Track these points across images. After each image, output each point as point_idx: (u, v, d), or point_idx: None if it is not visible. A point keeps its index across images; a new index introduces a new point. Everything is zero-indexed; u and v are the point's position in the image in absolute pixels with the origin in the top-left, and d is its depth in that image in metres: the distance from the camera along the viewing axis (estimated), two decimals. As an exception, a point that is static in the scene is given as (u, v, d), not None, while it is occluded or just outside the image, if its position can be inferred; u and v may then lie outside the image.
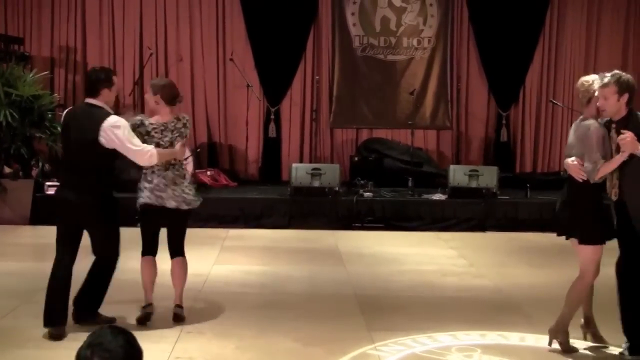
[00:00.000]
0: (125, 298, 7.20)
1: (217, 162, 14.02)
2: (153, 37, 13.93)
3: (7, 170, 11.68)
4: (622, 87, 5.81)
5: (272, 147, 14.10)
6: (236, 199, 12.08)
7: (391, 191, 12.44)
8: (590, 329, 6.23)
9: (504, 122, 14.19)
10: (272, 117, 14.01)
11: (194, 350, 5.95)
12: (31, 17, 13.85)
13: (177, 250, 6.75)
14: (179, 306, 6.72)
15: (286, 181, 12.72)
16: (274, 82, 14.05)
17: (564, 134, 14.27)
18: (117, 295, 7.20)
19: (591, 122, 5.90)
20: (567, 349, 6.06)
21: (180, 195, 6.64)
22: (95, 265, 6.48)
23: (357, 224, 11.59)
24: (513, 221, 11.79)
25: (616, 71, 5.90)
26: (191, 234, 10.84)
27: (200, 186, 12.46)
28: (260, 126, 14.14)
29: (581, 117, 6.08)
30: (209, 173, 13.16)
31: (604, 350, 6.17)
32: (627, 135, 5.69)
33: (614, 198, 5.91)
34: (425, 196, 12.16)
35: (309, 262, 9.30)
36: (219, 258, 9.43)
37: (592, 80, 5.98)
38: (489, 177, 12.05)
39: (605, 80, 5.84)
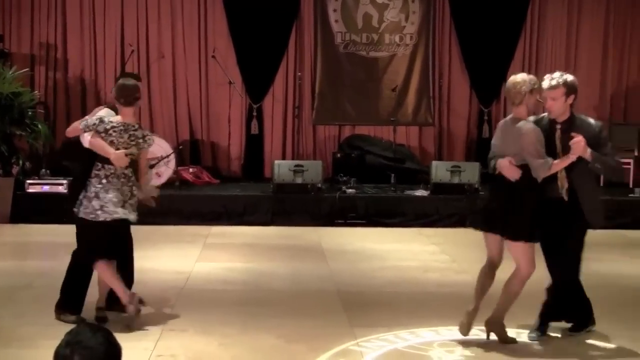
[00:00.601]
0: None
1: (200, 160, 13.99)
2: (134, 34, 13.88)
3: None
4: (569, 88, 6.03)
5: (254, 144, 14.08)
6: (219, 196, 12.06)
7: (374, 187, 12.45)
8: (469, 318, 6.19)
9: (485, 118, 14.23)
10: (255, 114, 13.99)
11: (177, 348, 5.93)
12: (11, 14, 13.75)
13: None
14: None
15: (269, 178, 12.71)
16: (256, 79, 14.03)
17: (546, 129, 14.33)
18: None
19: (526, 123, 5.97)
20: (505, 340, 6.14)
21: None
22: None
23: (339, 221, 11.59)
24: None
25: (560, 72, 6.12)
26: (173, 231, 10.92)
27: (182, 183, 12.49)
28: (243, 123, 14.11)
29: (511, 116, 6.14)
30: (191, 170, 13.14)
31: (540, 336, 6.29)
32: (581, 140, 5.85)
33: (566, 198, 5.97)
34: (408, 192, 12.18)
35: (292, 259, 9.31)
36: (202, 255, 9.41)
37: (523, 80, 6.02)
38: (471, 173, 12.08)
39: (554, 82, 6.04)
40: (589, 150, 5.90)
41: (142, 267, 7.17)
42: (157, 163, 12.13)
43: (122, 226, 6.48)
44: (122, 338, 2.75)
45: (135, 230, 6.86)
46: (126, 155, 6.31)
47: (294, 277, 8.43)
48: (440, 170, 12.08)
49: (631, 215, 11.91)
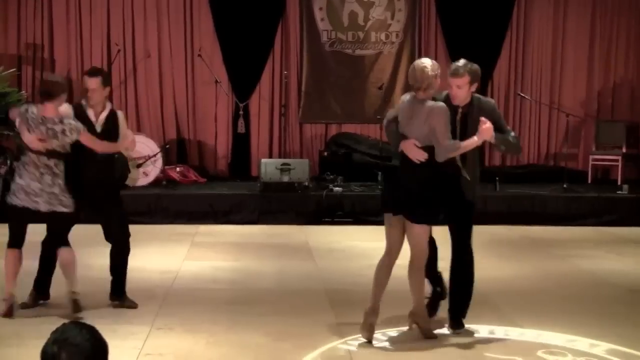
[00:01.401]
0: (94, 294, 7.20)
1: (187, 159, 13.98)
2: (120, 34, 13.86)
3: (-26, 168, 11.60)
4: (473, 76, 6.16)
5: (241, 143, 14.07)
6: (205, 194, 12.06)
7: (360, 185, 12.48)
8: (370, 320, 6.18)
9: (472, 115, 14.24)
10: (241, 112, 13.97)
11: (165, 347, 5.95)
12: (-4, 14, 13.74)
13: None
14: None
15: (255, 177, 12.72)
16: (243, 78, 14.02)
17: (532, 127, 14.40)
18: (86, 291, 7.21)
19: (437, 103, 6.01)
20: (428, 334, 6.20)
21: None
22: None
23: (326, 219, 11.61)
24: (482, 214, 11.75)
25: (464, 60, 6.23)
26: (160, 230, 10.92)
27: (169, 182, 12.49)
28: (229, 122, 14.11)
29: (413, 96, 6.14)
30: (178, 169, 13.14)
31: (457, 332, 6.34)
32: (490, 127, 6.04)
33: (468, 177, 6.18)
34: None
35: (279, 258, 9.32)
36: (189, 254, 9.42)
37: (430, 65, 6.05)
38: (457, 170, 12.09)
39: (460, 70, 6.13)
40: (493, 134, 6.11)
41: (130, 266, 7.16)
42: (144, 162, 12.13)
43: (27, 215, 6.67)
44: (110, 337, 2.76)
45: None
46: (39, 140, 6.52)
47: (281, 275, 8.44)
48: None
49: (618, 213, 11.97)
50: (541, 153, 14.45)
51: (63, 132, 6.56)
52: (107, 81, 6.96)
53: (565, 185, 12.45)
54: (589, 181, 13.55)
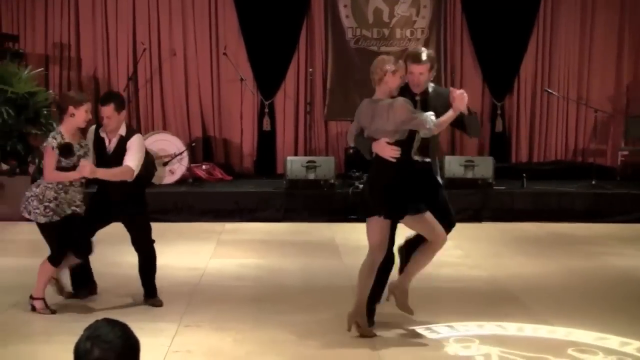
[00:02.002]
0: (123, 291, 7.24)
1: (212, 156, 14.00)
2: (146, 33, 13.90)
3: (3, 167, 11.68)
4: (433, 63, 6.21)
5: (266, 141, 14.08)
6: (231, 192, 12.07)
7: (386, 183, 12.42)
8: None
9: (498, 112, 14.16)
10: (266, 110, 13.98)
11: (192, 344, 5.96)
12: (25, 14, 13.81)
13: None
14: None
15: (281, 174, 12.71)
16: (268, 76, 14.03)
17: (560, 123, 14.28)
18: (115, 289, 7.26)
19: (395, 99, 6.01)
20: (366, 334, 6.15)
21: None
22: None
23: (352, 216, 11.57)
24: (509, 211, 11.79)
25: (423, 47, 6.62)
26: (187, 228, 10.95)
27: (195, 180, 12.52)
28: (255, 120, 14.12)
29: (369, 99, 6.19)
30: (204, 167, 13.16)
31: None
32: (462, 91, 6.05)
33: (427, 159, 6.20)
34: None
35: (305, 255, 9.31)
36: (215, 252, 9.43)
37: (388, 59, 6.11)
38: (484, 167, 12.06)
39: (423, 57, 6.15)
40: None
41: (157, 263, 7.20)
42: (170, 160, 12.17)
43: None
44: (138, 334, 2.77)
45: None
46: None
47: (307, 273, 8.44)
48: (453, 165, 12.05)
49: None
50: (569, 149, 14.33)
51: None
52: (120, 106, 6.88)
53: (593, 182, 12.35)
54: (618, 177, 13.42)
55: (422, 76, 6.16)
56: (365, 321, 6.17)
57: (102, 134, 6.92)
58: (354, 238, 10.31)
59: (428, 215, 6.09)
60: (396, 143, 5.98)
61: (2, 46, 12.71)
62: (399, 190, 6.00)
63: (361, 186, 11.90)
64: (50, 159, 6.59)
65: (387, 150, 6.01)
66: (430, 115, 5.95)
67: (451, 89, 6.15)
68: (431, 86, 6.33)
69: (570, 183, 12.56)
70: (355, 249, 9.63)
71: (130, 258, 7.53)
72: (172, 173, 12.28)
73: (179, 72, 14.04)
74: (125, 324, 2.75)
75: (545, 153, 14.31)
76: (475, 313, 6.79)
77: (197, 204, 11.71)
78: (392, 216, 6.08)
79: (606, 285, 8.07)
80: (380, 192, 6.06)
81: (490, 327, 6.42)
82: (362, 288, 6.19)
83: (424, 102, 6.19)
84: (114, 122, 6.84)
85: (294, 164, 11.95)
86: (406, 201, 6.01)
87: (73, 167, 6.56)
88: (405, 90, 6.18)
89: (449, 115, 6.07)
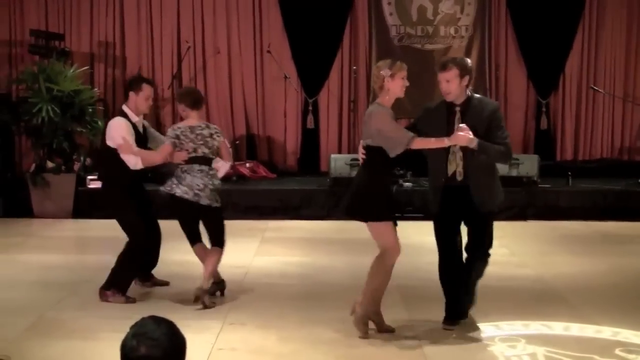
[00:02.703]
0: (168, 289, 7.29)
1: (256, 154, 14.05)
2: (190, 31, 13.98)
3: (49, 164, 11.82)
4: (462, 69, 5.96)
5: (310, 138, 14.09)
6: (275, 190, 12.11)
7: (430, 181, 12.37)
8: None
9: (543, 109, 14.05)
10: (310, 108, 14.00)
11: (237, 342, 5.98)
12: (71, 13, 13.95)
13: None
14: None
15: (325, 172, 12.72)
16: (312, 73, 14.04)
17: (606, 120, 14.12)
18: (161, 287, 7.31)
19: (374, 105, 6.08)
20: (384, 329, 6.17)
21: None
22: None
23: (397, 214, 11.52)
24: (554, 210, 11.69)
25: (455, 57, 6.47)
26: (231, 226, 10.91)
27: (239, 178, 12.57)
28: (299, 117, 14.14)
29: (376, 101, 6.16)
30: (247, 165, 13.21)
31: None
32: (464, 134, 5.81)
33: (459, 179, 6.00)
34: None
35: (349, 253, 9.29)
36: (260, 250, 9.46)
37: (382, 64, 6.11)
38: (529, 165, 11.96)
39: (448, 64, 6.04)
40: (475, 141, 5.84)
41: (191, 259, 7.26)
42: (214, 158, 12.20)
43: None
44: (184, 331, 2.78)
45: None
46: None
47: (352, 271, 8.41)
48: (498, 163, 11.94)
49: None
50: (614, 147, 14.17)
51: (212, 135, 7.18)
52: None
53: (639, 180, 12.20)
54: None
55: (450, 84, 6.01)
56: (365, 325, 6.11)
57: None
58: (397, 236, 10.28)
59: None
60: (372, 148, 6.04)
61: (48, 45, 12.85)
62: (375, 193, 6.17)
63: (405, 184, 11.94)
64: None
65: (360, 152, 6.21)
66: (415, 139, 5.88)
67: (461, 126, 5.88)
68: (477, 97, 6.14)
69: (615, 181, 12.42)
70: (399, 247, 9.61)
71: (175, 255, 7.58)
72: (216, 171, 12.31)
73: (223, 70, 14.10)
74: (171, 322, 2.76)
75: (590, 151, 14.16)
76: (521, 312, 6.74)
77: (240, 201, 11.75)
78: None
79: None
80: (360, 196, 6.26)
81: (536, 327, 6.36)
82: (377, 289, 6.22)
83: (465, 113, 6.01)
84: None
85: (337, 162, 11.94)
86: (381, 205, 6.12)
87: None
88: (442, 102, 6.13)
89: (437, 141, 5.92)
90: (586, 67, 14.11)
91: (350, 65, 14.04)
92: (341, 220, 11.31)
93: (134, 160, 6.97)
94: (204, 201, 6.97)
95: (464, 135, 5.83)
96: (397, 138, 5.88)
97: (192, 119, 7.11)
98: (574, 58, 14.05)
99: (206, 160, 7.15)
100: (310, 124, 14.00)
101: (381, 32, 14.08)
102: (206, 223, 7.19)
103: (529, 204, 11.73)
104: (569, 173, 12.22)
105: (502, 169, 11.80)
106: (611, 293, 7.54)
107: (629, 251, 9.53)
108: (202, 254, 7.12)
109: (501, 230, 10.60)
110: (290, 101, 13.93)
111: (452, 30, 14.12)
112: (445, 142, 5.91)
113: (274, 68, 13.86)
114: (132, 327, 2.73)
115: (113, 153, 6.99)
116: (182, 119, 7.32)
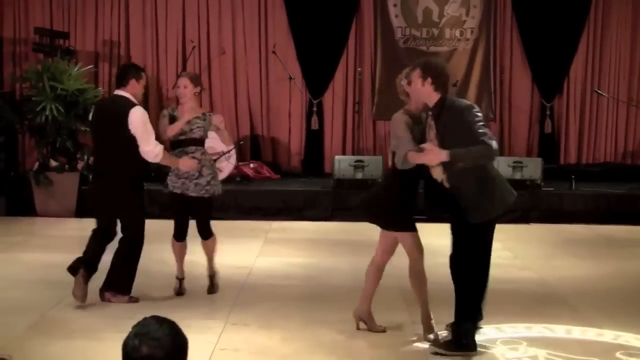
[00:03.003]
0: (170, 289, 7.29)
1: (260, 155, 14.04)
2: (195, 31, 13.99)
3: (53, 163, 11.82)
4: (424, 70, 5.69)
5: (314, 140, 14.09)
6: (279, 191, 12.11)
7: (434, 183, 12.36)
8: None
9: (547, 112, 14.03)
10: (315, 109, 14.00)
11: (240, 342, 5.98)
12: (76, 12, 13.95)
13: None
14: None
15: (329, 173, 12.72)
16: (316, 74, 14.04)
17: (610, 124, 14.11)
18: (162, 287, 7.31)
19: (396, 113, 5.99)
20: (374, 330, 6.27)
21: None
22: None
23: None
24: (558, 213, 11.68)
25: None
26: (234, 226, 10.98)
27: (243, 178, 12.57)
28: (303, 118, 14.13)
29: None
30: (251, 165, 13.21)
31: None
32: (428, 153, 5.62)
33: (447, 185, 5.81)
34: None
35: (352, 254, 9.27)
36: (263, 250, 9.46)
37: (404, 72, 6.01)
38: (533, 168, 11.96)
39: (408, 71, 5.90)
40: (444, 154, 5.53)
41: (205, 261, 7.24)
42: (218, 158, 12.20)
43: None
44: (185, 331, 2.78)
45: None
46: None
47: (355, 272, 8.38)
48: (502, 166, 11.91)
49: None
50: (618, 151, 14.15)
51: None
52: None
53: (643, 184, 12.21)
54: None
55: (410, 85, 5.82)
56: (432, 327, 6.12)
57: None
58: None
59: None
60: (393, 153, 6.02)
61: (52, 43, 12.85)
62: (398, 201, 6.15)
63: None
64: None
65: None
66: (409, 151, 5.74)
67: (424, 146, 5.68)
68: (449, 100, 5.77)
69: (619, 185, 12.41)
70: (401, 248, 9.60)
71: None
72: (219, 171, 12.30)
73: (227, 71, 14.10)
74: (173, 322, 2.76)
75: (594, 154, 14.14)
76: (523, 315, 6.74)
77: (244, 202, 11.75)
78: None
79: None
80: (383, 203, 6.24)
81: (538, 329, 6.36)
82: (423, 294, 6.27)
83: (436, 117, 5.71)
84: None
85: (341, 163, 11.94)
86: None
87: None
88: (425, 107, 5.93)
89: (420, 155, 5.70)
90: (590, 70, 14.09)
91: (355, 67, 14.03)
92: (344, 221, 11.37)
93: (157, 150, 6.86)
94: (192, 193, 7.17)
95: (429, 156, 5.64)
96: (400, 151, 5.82)
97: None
98: (578, 62, 14.03)
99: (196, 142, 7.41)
100: (314, 125, 14.00)
101: (386, 34, 14.08)
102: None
103: (532, 207, 11.72)
104: (573, 176, 12.22)
105: (506, 172, 11.86)
106: (614, 296, 7.53)
107: (633, 255, 9.51)
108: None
109: (504, 233, 10.61)
110: (295, 102, 13.93)
111: (457, 33, 14.11)
112: (423, 159, 5.71)
113: (279, 69, 13.86)
114: (134, 327, 2.73)
115: (131, 144, 6.80)
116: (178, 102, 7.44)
